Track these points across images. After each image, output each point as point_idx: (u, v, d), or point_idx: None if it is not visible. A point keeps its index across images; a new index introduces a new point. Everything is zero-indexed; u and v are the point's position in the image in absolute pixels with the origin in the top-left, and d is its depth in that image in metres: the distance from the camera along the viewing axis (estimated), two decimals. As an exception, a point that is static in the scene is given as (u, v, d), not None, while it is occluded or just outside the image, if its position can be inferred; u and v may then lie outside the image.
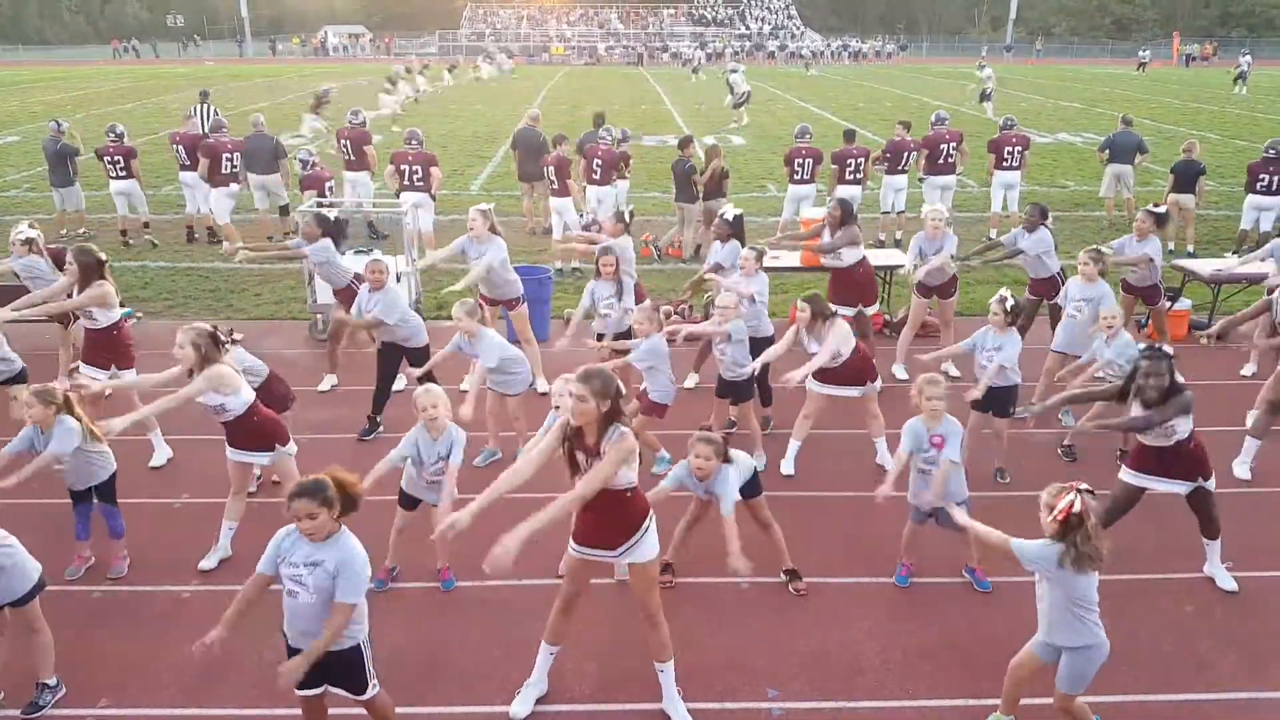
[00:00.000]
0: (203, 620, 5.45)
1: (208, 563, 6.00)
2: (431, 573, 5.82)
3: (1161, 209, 8.99)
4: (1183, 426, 5.52)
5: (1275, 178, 12.60)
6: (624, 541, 4.53)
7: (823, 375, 7.05)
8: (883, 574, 5.96)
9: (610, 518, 4.51)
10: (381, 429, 7.85)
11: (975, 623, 5.52)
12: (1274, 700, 4.92)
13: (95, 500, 5.86)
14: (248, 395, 5.82)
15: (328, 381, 8.93)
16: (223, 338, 5.82)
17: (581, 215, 12.38)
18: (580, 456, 4.41)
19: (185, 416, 7.86)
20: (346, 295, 8.49)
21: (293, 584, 3.94)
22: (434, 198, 12.95)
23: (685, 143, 13.44)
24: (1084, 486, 4.11)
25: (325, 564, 3.90)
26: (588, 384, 4.26)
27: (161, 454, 7.44)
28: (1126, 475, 5.76)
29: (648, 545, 4.58)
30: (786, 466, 7.27)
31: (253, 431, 5.86)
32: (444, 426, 5.51)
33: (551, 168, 12.62)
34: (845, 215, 8.71)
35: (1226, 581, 5.85)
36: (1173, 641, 5.34)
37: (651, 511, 4.62)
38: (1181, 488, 5.69)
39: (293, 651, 4.03)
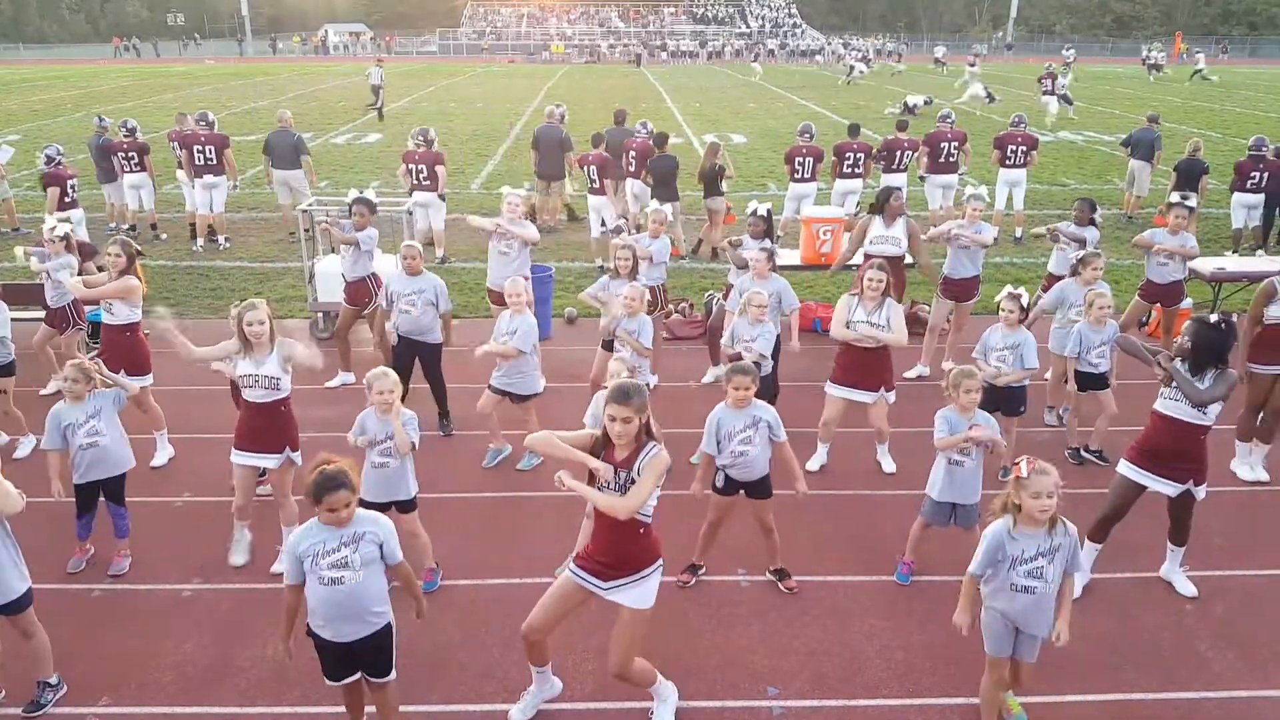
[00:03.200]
0: (203, 619, 5.50)
1: (239, 558, 6.05)
2: (430, 571, 5.81)
3: (1192, 201, 8.99)
4: (1213, 411, 5.36)
5: (1265, 175, 12.66)
6: (623, 576, 4.33)
7: (843, 377, 7.02)
8: (883, 572, 5.96)
9: (619, 549, 4.32)
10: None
11: (976, 621, 5.50)
12: (1274, 699, 4.91)
13: (102, 499, 5.86)
14: (289, 383, 5.86)
15: (340, 378, 8.92)
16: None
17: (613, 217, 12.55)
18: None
19: (187, 416, 7.90)
20: (360, 289, 8.65)
21: (335, 572, 3.99)
22: (443, 197, 12.99)
23: (661, 140, 13.29)
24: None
25: (366, 535, 4.05)
26: (629, 403, 4.05)
27: (164, 454, 7.44)
28: (1125, 469, 5.62)
29: (646, 591, 4.37)
30: (813, 464, 7.27)
31: (279, 425, 5.78)
32: (397, 411, 5.45)
33: (594, 167, 12.58)
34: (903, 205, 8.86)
35: (1186, 587, 5.76)
36: (1172, 640, 5.33)
37: (660, 562, 4.43)
38: (1173, 489, 5.51)
39: (327, 645, 4.14)
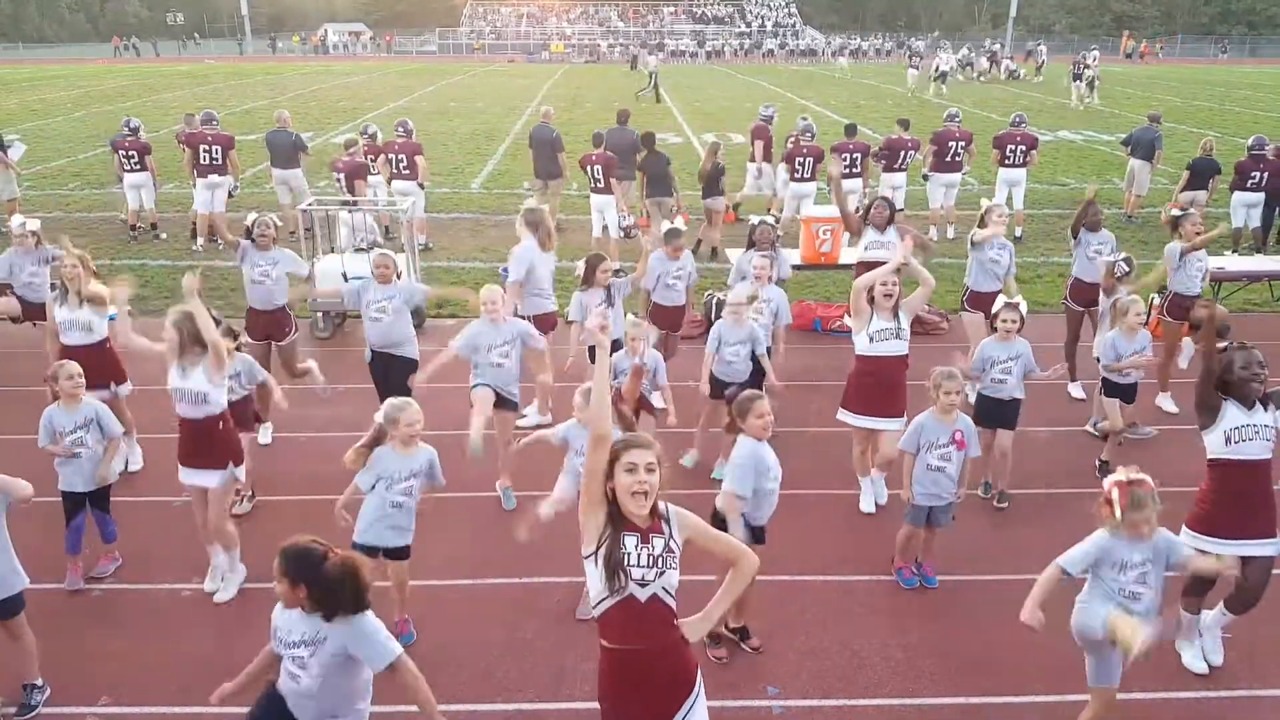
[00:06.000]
0: (202, 619, 5.49)
1: (211, 585, 5.71)
2: (429, 569, 5.79)
3: (1195, 210, 8.82)
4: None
5: (1265, 174, 12.66)
6: (680, 704, 3.33)
7: (864, 406, 6.45)
8: (883, 572, 5.95)
9: (664, 665, 3.30)
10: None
11: (977, 620, 5.51)
12: (1274, 698, 4.92)
13: (89, 509, 5.74)
14: (225, 398, 5.51)
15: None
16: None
17: (622, 217, 12.64)
18: (630, 543, 3.21)
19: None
20: (274, 319, 7.84)
21: (293, 665, 3.53)
22: (422, 186, 13.21)
23: (649, 140, 13.23)
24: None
25: (326, 643, 3.49)
26: (652, 447, 3.24)
27: (136, 458, 7.29)
28: (1216, 547, 4.71)
29: (704, 707, 3.43)
30: (868, 504, 6.77)
31: (216, 442, 5.41)
32: (418, 444, 5.09)
33: (598, 167, 12.58)
34: (894, 213, 8.70)
35: (1215, 653, 5.16)
36: (1173, 639, 5.31)
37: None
38: (1274, 548, 4.76)
39: None
